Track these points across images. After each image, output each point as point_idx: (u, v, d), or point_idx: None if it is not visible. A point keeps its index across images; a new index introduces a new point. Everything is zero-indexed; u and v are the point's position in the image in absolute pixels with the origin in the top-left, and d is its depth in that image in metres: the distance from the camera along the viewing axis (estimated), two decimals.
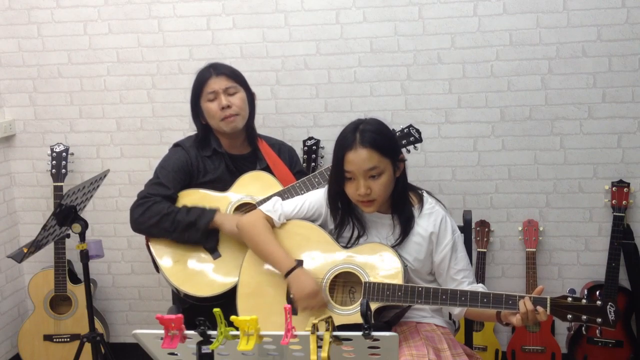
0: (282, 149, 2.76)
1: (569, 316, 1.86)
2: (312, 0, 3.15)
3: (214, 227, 2.45)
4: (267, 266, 2.21)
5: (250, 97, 2.65)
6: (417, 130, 2.62)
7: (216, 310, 1.42)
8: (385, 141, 2.06)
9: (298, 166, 2.79)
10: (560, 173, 3.14)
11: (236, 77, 2.61)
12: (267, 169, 2.64)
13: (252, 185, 2.57)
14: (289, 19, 3.18)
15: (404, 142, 2.61)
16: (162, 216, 2.44)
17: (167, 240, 2.50)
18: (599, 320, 1.84)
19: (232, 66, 2.67)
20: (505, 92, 3.11)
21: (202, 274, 2.45)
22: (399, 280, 2.03)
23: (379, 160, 2.02)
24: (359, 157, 2.01)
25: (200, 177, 2.59)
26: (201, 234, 2.43)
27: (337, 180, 2.09)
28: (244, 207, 2.54)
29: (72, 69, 3.37)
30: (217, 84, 2.56)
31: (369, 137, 2.02)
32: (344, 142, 2.04)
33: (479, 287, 2.13)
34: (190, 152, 2.59)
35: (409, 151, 2.62)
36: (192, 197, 2.53)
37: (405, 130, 2.62)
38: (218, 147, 2.62)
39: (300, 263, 2.15)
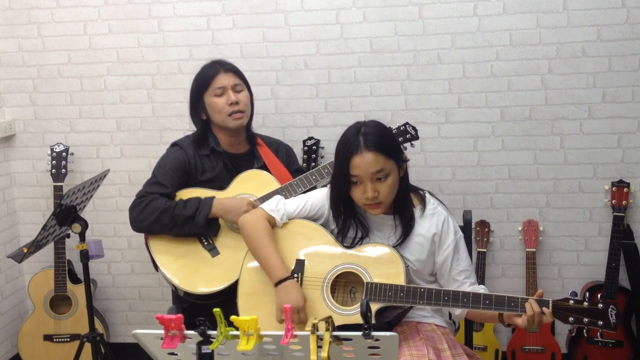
0: (280, 148, 2.77)
1: (571, 318, 1.86)
2: (312, 0, 3.15)
3: (213, 217, 2.46)
4: None
5: (251, 98, 2.67)
6: (414, 128, 2.63)
7: (216, 310, 1.42)
8: (389, 143, 2.06)
9: (295, 165, 2.79)
10: (560, 173, 3.14)
11: (242, 76, 2.65)
12: (264, 167, 2.65)
13: (250, 183, 2.57)
14: (289, 19, 3.18)
15: (400, 139, 2.62)
16: (160, 212, 2.45)
17: (166, 240, 2.51)
18: (601, 322, 1.84)
19: None
20: (505, 92, 3.11)
21: (201, 271, 2.46)
22: (400, 281, 2.03)
23: (384, 163, 2.02)
24: (365, 161, 2.01)
25: (198, 176, 2.59)
26: (201, 226, 2.45)
27: (343, 186, 2.08)
28: None
29: (72, 69, 3.37)
30: (226, 79, 2.58)
31: (372, 140, 2.02)
32: (348, 147, 2.03)
33: (481, 288, 2.12)
34: (188, 151, 2.59)
35: (405, 148, 2.62)
36: (190, 196, 2.53)
37: (401, 128, 2.63)
38: (216, 146, 2.62)
39: (301, 263, 2.15)
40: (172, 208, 2.45)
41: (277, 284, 2.09)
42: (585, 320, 1.85)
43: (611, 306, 1.83)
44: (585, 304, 1.85)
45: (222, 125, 2.60)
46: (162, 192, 2.50)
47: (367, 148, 2.01)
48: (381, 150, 2.01)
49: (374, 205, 2.07)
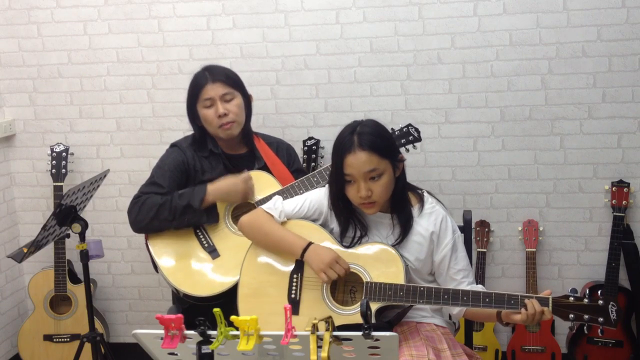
0: (280, 147, 2.76)
1: (571, 316, 1.86)
2: (312, 0, 3.15)
3: (211, 203, 2.47)
4: (268, 265, 2.20)
5: (247, 100, 2.64)
6: (416, 129, 2.62)
7: (216, 310, 1.42)
8: (383, 142, 2.06)
9: (296, 164, 2.79)
10: (560, 173, 3.14)
11: (232, 83, 2.58)
12: (265, 167, 2.64)
13: None
14: (289, 19, 3.18)
15: (402, 141, 2.61)
16: (158, 207, 2.45)
17: (166, 241, 2.51)
18: (601, 319, 1.84)
19: (229, 68, 2.66)
20: (505, 92, 3.11)
21: (201, 273, 2.46)
22: (400, 280, 2.03)
23: (378, 162, 2.02)
24: (358, 160, 2.01)
25: (198, 177, 2.59)
26: (200, 213, 2.45)
27: (338, 184, 2.09)
28: (244, 207, 2.54)
29: (72, 69, 3.37)
30: (214, 90, 2.54)
31: (367, 139, 2.02)
32: (342, 146, 2.04)
33: (479, 288, 2.12)
34: (187, 152, 2.59)
35: (407, 150, 2.62)
36: None
37: (404, 130, 2.63)
38: (214, 148, 2.62)
39: (300, 263, 2.14)
40: (168, 201, 2.46)
41: (302, 254, 2.10)
42: (586, 317, 1.85)
43: (611, 303, 1.83)
44: (585, 300, 1.86)
45: (214, 135, 2.60)
46: (158, 192, 2.50)
47: (360, 147, 2.01)
48: (375, 150, 2.02)
49: (368, 205, 2.07)
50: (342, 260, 2.07)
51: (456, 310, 2.14)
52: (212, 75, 2.56)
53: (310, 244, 2.11)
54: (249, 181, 2.51)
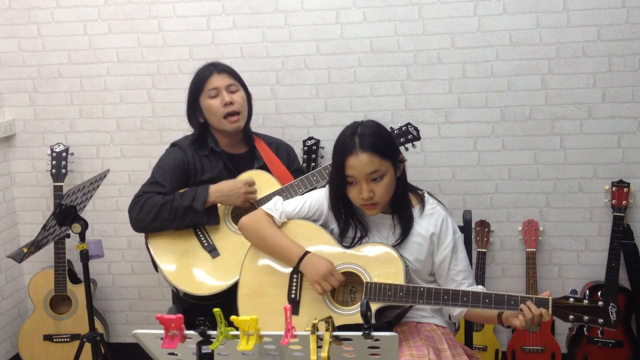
0: (280, 147, 2.77)
1: (571, 317, 1.86)
2: (312, 0, 3.15)
3: (212, 204, 2.47)
4: (268, 265, 2.20)
5: (248, 98, 2.67)
6: (415, 128, 2.62)
7: (216, 310, 1.42)
8: (385, 143, 2.06)
9: (296, 164, 2.79)
10: (560, 173, 3.14)
11: (236, 76, 2.64)
12: (264, 167, 2.64)
13: None
14: (289, 19, 3.18)
15: (402, 140, 2.61)
16: (159, 207, 2.45)
17: (166, 240, 2.51)
18: (601, 320, 1.84)
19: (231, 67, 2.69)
20: (505, 92, 3.11)
21: (201, 273, 2.46)
22: (400, 281, 2.03)
23: (379, 163, 2.02)
24: (360, 162, 2.01)
25: (198, 176, 2.59)
26: (201, 214, 2.45)
27: (339, 186, 2.09)
28: (244, 207, 2.54)
29: (72, 69, 3.37)
30: (220, 80, 2.58)
31: (368, 140, 2.02)
32: (344, 147, 2.04)
33: (479, 289, 2.12)
34: (187, 151, 2.60)
35: (407, 149, 2.62)
36: None
37: (403, 129, 2.63)
38: (215, 146, 2.62)
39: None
40: (170, 201, 2.46)
41: (299, 263, 2.09)
42: (586, 318, 1.85)
43: (611, 304, 1.83)
44: (585, 302, 1.85)
45: (218, 128, 2.60)
46: (159, 192, 2.50)
47: (362, 149, 2.01)
48: (376, 151, 2.01)
49: (370, 206, 2.07)
50: (336, 272, 2.07)
51: (457, 312, 2.13)
52: (216, 67, 2.62)
53: (306, 253, 2.10)
54: (251, 185, 2.51)
